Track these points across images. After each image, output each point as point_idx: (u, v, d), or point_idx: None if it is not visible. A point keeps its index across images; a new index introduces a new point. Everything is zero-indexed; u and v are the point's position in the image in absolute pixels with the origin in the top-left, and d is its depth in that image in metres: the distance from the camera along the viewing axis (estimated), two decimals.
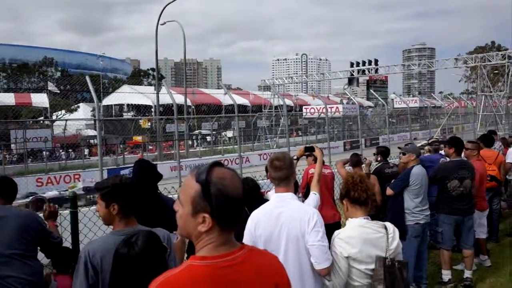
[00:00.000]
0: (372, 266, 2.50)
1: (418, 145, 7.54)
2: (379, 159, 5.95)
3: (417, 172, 4.80)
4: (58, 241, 3.06)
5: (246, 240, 2.50)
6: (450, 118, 38.58)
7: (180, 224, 1.38)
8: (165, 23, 24.64)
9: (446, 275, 4.98)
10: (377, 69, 36.46)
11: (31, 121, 24.84)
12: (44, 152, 21.90)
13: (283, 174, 2.59)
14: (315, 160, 4.22)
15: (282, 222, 2.47)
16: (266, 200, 3.76)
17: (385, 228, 2.59)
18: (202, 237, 1.33)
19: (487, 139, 6.71)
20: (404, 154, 5.00)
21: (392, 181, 5.03)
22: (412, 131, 31.28)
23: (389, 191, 4.90)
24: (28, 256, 2.82)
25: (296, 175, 2.78)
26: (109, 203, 2.23)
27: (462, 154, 5.33)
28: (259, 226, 2.48)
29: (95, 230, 4.00)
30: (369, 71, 36.57)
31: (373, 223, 2.60)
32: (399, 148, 5.35)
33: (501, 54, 30.92)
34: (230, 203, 1.31)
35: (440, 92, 69.55)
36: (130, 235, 1.96)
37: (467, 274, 5.00)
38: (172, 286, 1.25)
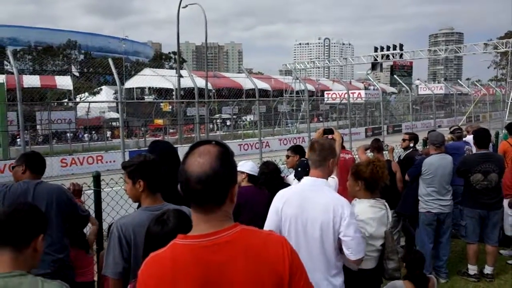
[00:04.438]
0: (381, 241, 2.86)
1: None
2: (411, 145, 5.86)
3: (431, 161, 4.71)
4: (86, 214, 3.16)
5: (271, 217, 2.55)
6: (477, 105, 37.48)
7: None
8: (186, 6, 24.56)
9: (472, 270, 4.87)
10: (401, 54, 35.53)
11: (55, 103, 25.37)
12: (68, 134, 22.40)
13: (317, 157, 2.60)
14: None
15: (313, 207, 2.46)
16: (287, 184, 3.74)
17: (385, 205, 2.97)
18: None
19: None
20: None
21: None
22: (436, 118, 30.56)
23: (406, 177, 4.97)
24: (58, 233, 2.87)
25: (335, 163, 2.73)
26: (136, 180, 2.29)
27: (491, 146, 5.15)
28: (289, 205, 2.49)
29: (117, 209, 4.08)
30: (393, 56, 35.69)
31: (378, 202, 2.94)
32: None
33: None
34: (184, 180, 1.28)
35: (467, 79, 67.50)
36: (161, 213, 1.98)
37: (488, 270, 4.87)
38: (156, 264, 1.31)
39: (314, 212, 2.44)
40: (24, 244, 1.57)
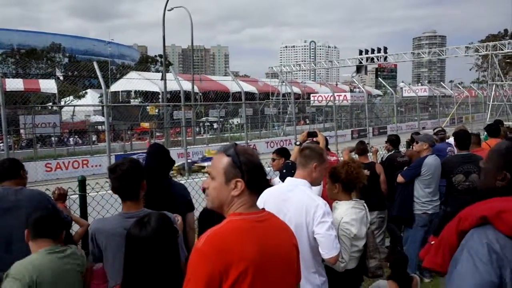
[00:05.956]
0: (364, 241, 2.91)
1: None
2: (390, 147, 5.92)
3: (430, 162, 4.77)
4: (67, 220, 3.12)
5: None
6: (460, 107, 38.18)
7: (213, 195, 1.62)
8: (172, 9, 24.51)
9: None
10: (386, 57, 35.97)
11: (39, 107, 24.98)
12: (52, 138, 22.08)
13: (302, 158, 2.71)
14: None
15: (288, 206, 2.52)
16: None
17: (363, 205, 3.01)
18: (234, 202, 1.59)
19: (492, 129, 6.62)
20: (417, 143, 4.97)
21: (405, 168, 5.03)
22: (420, 120, 31.03)
23: (400, 179, 4.91)
24: None
25: (321, 170, 2.75)
26: (112, 186, 2.40)
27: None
28: (267, 205, 2.52)
29: (103, 213, 4.06)
30: (378, 59, 36.10)
31: (358, 203, 2.98)
32: (412, 137, 5.31)
33: None
34: (256, 168, 1.60)
35: (451, 81, 68.66)
36: (142, 216, 2.01)
37: None
38: (220, 236, 1.49)
39: (288, 213, 2.49)
40: (57, 237, 2.34)
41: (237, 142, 1.70)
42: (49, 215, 2.43)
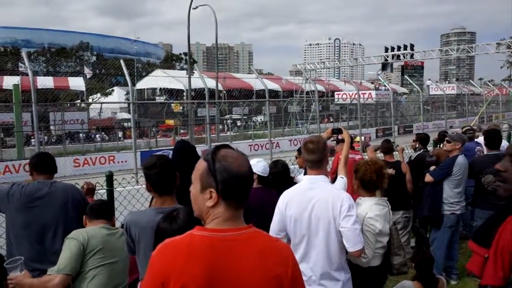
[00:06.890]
0: (387, 238, 2.88)
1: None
2: (417, 146, 5.80)
3: (461, 161, 4.66)
4: None
5: (276, 218, 2.61)
6: (490, 106, 36.99)
7: (192, 203, 1.47)
8: (197, 7, 24.68)
9: None
10: (412, 54, 35.19)
11: (68, 104, 25.66)
12: (80, 134, 22.69)
13: (315, 157, 2.63)
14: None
15: (313, 204, 2.52)
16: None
17: (386, 202, 3.00)
18: (210, 213, 1.41)
19: None
20: (449, 142, 4.86)
21: (432, 168, 4.93)
22: (448, 119, 30.29)
23: (428, 178, 4.80)
24: (77, 227, 2.92)
25: (328, 158, 2.80)
26: (146, 181, 2.43)
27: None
28: (291, 205, 2.56)
29: (130, 208, 4.15)
30: (404, 56, 35.36)
31: (381, 200, 2.98)
32: (443, 135, 5.19)
33: None
34: (234, 178, 1.38)
35: (480, 79, 66.62)
36: (170, 211, 2.04)
37: None
38: (170, 249, 1.36)
39: (315, 211, 2.50)
40: (110, 218, 2.80)
41: (226, 144, 1.51)
42: (103, 202, 2.92)
